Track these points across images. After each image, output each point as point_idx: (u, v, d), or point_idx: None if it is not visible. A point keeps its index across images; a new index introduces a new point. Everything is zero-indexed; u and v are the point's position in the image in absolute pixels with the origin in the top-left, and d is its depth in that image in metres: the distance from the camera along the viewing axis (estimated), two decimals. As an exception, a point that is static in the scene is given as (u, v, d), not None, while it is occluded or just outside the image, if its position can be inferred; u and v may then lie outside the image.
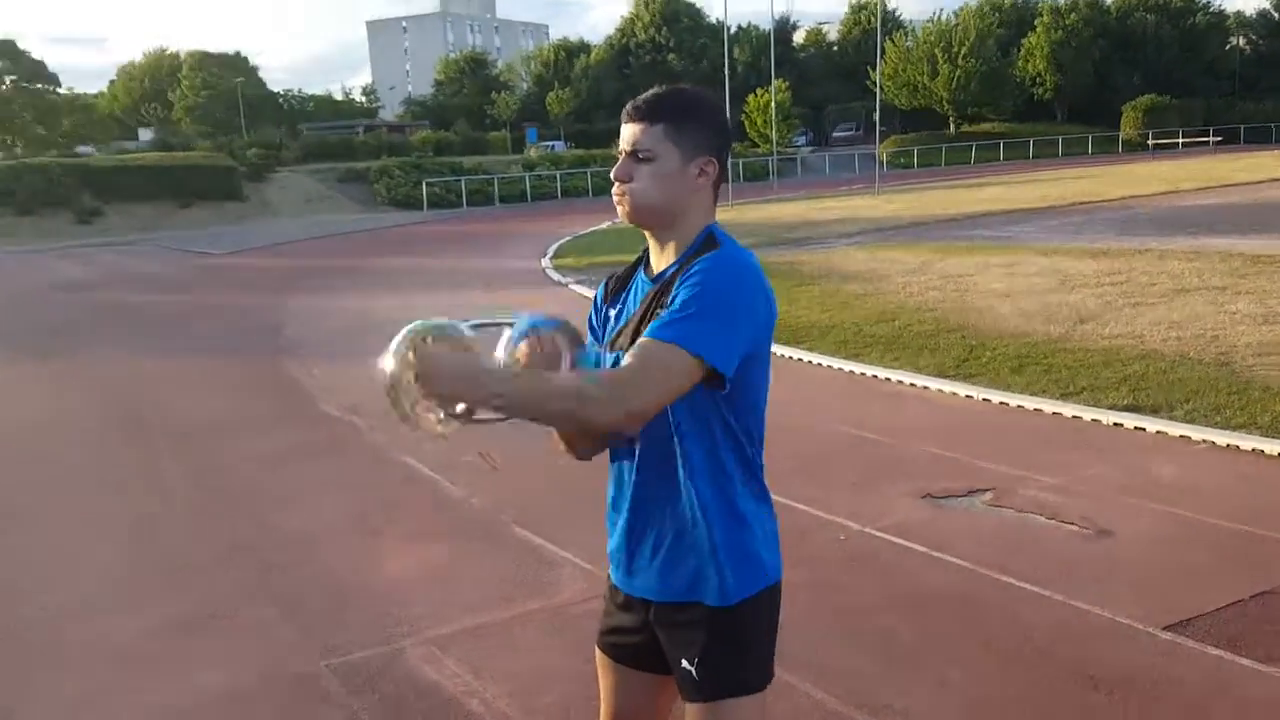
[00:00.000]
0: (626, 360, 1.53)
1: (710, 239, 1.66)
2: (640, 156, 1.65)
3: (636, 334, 1.64)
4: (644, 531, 1.71)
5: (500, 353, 1.56)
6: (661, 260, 1.70)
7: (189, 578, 4.07)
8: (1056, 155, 49.83)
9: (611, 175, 1.68)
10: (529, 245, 18.91)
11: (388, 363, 1.42)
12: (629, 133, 1.66)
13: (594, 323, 1.83)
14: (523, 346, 1.59)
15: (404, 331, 1.44)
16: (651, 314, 1.63)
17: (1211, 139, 49.70)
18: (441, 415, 1.45)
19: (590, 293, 1.80)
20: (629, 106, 1.67)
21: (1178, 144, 49.47)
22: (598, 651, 1.84)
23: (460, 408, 1.44)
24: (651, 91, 1.68)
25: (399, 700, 3.02)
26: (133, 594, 3.95)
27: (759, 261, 1.63)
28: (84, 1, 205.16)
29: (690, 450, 1.64)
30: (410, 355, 1.42)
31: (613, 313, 1.78)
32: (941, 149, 50.46)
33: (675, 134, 1.64)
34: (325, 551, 4.28)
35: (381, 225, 28.68)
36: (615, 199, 1.68)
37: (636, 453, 1.68)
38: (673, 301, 1.56)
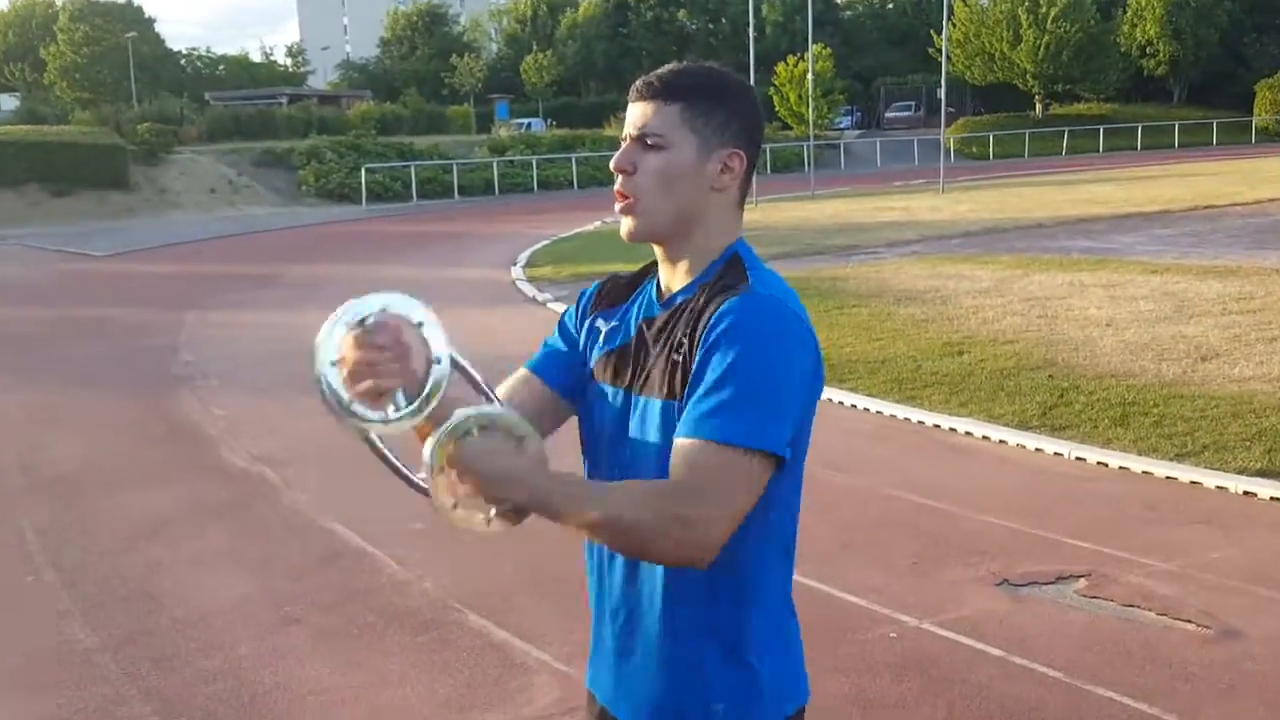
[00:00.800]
0: (678, 475, 1.50)
1: (735, 264, 1.65)
2: (649, 143, 1.64)
3: (635, 371, 1.64)
4: (633, 645, 1.70)
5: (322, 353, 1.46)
6: (674, 279, 1.69)
7: (62, 670, 4.04)
8: (1171, 146, 50.18)
9: (611, 165, 1.67)
10: (496, 250, 18.99)
11: (428, 452, 1.47)
12: (637, 113, 1.66)
13: (569, 328, 1.82)
14: (349, 341, 1.47)
15: (451, 422, 1.46)
16: (658, 355, 1.63)
17: (1370, 128, 50.06)
18: (491, 513, 1.50)
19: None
20: (639, 82, 1.67)
21: (1327, 133, 49.90)
22: None
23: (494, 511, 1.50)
24: (670, 66, 1.69)
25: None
26: (-24, 697, 3.93)
27: (798, 298, 1.63)
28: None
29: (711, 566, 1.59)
30: (453, 450, 1.47)
31: (604, 326, 1.76)
32: (1024, 136, 50.83)
33: (695, 119, 1.64)
34: (230, 643, 4.25)
35: (308, 222, 28.81)
36: (618, 206, 1.67)
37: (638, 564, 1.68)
38: (701, 370, 1.54)
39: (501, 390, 1.74)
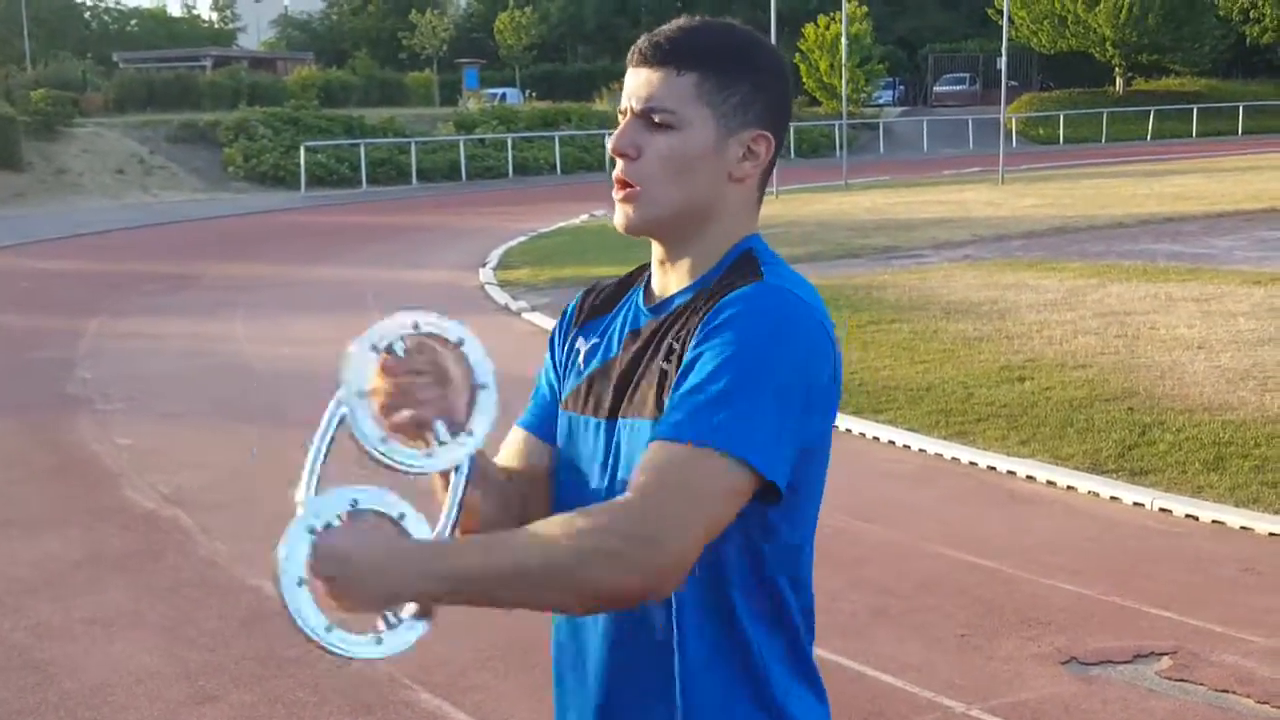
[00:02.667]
0: (635, 479, 1.47)
1: (748, 260, 1.62)
2: (657, 120, 1.60)
3: (619, 393, 1.63)
4: (606, 689, 1.67)
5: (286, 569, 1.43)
6: (669, 280, 1.67)
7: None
8: (1277, 130, 50.32)
9: (610, 148, 1.64)
10: (462, 248, 19.04)
11: (278, 575, 1.42)
12: (641, 82, 1.62)
13: (555, 355, 1.80)
14: (376, 369, 1.51)
15: (296, 524, 1.45)
16: (647, 368, 1.61)
17: None
18: (384, 624, 1.46)
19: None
20: (643, 42, 1.63)
21: None
22: None
23: (409, 609, 1.45)
24: (679, 22, 1.65)
25: None
26: None
27: (820, 297, 1.60)
28: None
29: (692, 602, 1.60)
30: (307, 560, 1.43)
31: (583, 345, 1.75)
32: (1102, 115, 51.05)
33: (715, 92, 1.61)
34: (126, 727, 4.25)
35: (236, 211, 28.90)
36: (616, 195, 1.64)
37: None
38: (689, 366, 1.51)
39: (500, 461, 1.75)
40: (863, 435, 7.42)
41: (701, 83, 1.60)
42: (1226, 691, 4.18)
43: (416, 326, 1.53)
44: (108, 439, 8.23)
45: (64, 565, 5.87)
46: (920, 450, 7.19)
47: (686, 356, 1.52)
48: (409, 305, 1.54)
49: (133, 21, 73.43)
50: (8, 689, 4.55)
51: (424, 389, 1.50)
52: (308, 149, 35.25)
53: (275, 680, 4.57)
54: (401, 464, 1.51)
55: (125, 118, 39.18)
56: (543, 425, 1.77)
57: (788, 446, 1.50)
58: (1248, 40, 59.26)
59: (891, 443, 7.33)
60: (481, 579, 1.43)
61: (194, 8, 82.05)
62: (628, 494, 1.45)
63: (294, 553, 1.42)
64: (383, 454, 1.50)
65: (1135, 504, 6.07)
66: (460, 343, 1.56)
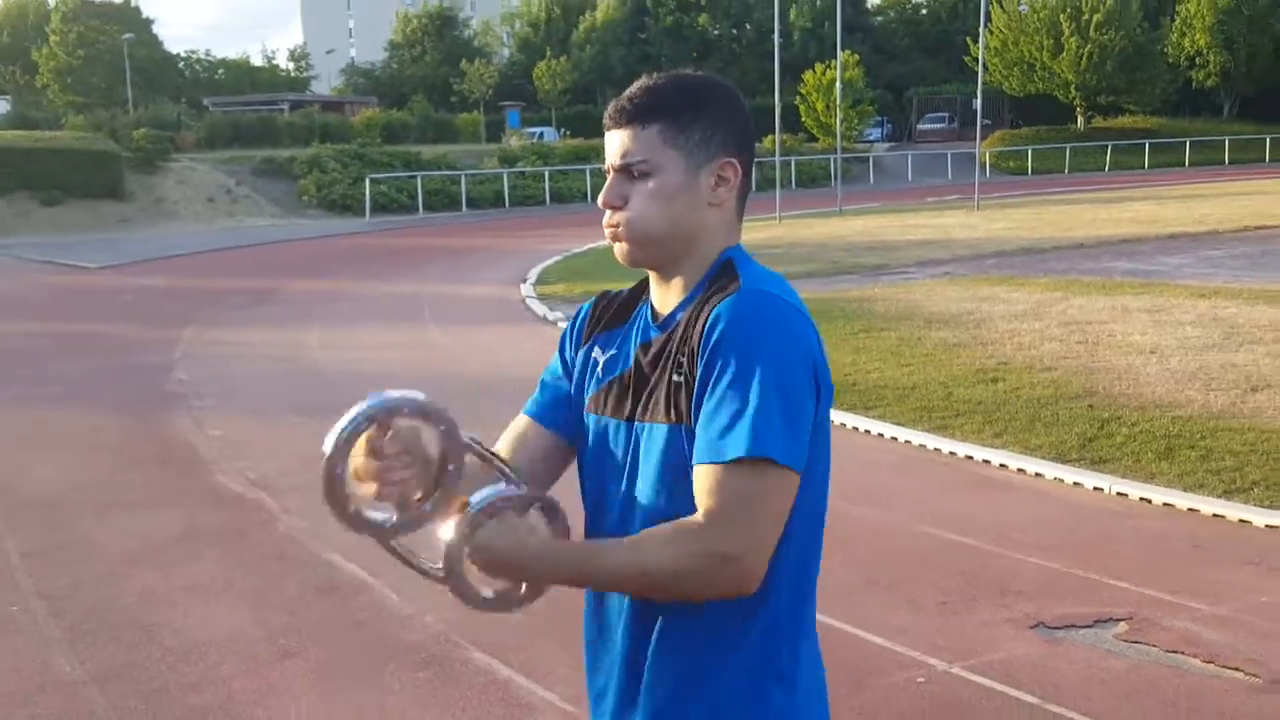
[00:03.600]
0: (701, 502, 1.50)
1: (726, 269, 1.64)
2: (635, 172, 1.63)
3: (636, 399, 1.64)
4: (637, 687, 1.68)
5: (327, 446, 1.48)
6: (669, 298, 1.68)
7: (47, 702, 4.06)
8: (1222, 162, 50.11)
9: (599, 202, 1.66)
10: (506, 266, 19.07)
11: (446, 532, 1.53)
12: (615, 142, 1.64)
13: (566, 356, 1.81)
14: (361, 443, 1.49)
15: (476, 501, 1.52)
16: (660, 379, 1.62)
17: None
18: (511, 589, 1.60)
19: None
20: (610, 109, 1.65)
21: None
22: None
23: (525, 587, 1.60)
24: (638, 84, 1.66)
25: None
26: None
27: (790, 287, 1.62)
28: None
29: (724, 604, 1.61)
30: (470, 535, 1.52)
31: (600, 355, 1.75)
32: (1065, 150, 50.83)
33: (677, 135, 1.62)
34: (223, 678, 4.27)
35: (310, 235, 29.00)
36: (609, 236, 1.67)
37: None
38: (704, 386, 1.53)
39: (503, 444, 1.76)
40: (855, 429, 7.42)
41: (664, 130, 1.62)
42: (1176, 652, 4.16)
43: (400, 408, 1.51)
44: (201, 431, 8.29)
45: (165, 540, 5.92)
46: (906, 442, 7.19)
47: (697, 373, 1.55)
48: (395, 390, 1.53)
49: (220, 71, 73.76)
50: (119, 646, 4.59)
51: (394, 471, 1.50)
52: (372, 180, 35.39)
53: (347, 639, 4.60)
54: (370, 525, 1.54)
55: (214, 154, 39.40)
56: (545, 412, 1.79)
57: (803, 433, 1.53)
58: (1193, 83, 59.05)
59: (880, 435, 7.33)
60: (588, 580, 1.61)
61: (273, 58, 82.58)
62: (700, 518, 1.50)
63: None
64: (355, 517, 1.53)
65: (1095, 488, 6.07)
66: (442, 428, 1.53)
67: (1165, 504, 5.76)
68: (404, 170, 37.42)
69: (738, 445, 1.48)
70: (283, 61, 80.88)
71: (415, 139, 44.67)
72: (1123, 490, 5.96)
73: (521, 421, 1.80)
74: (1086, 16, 54.86)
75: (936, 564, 5.21)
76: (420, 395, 1.53)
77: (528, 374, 1.81)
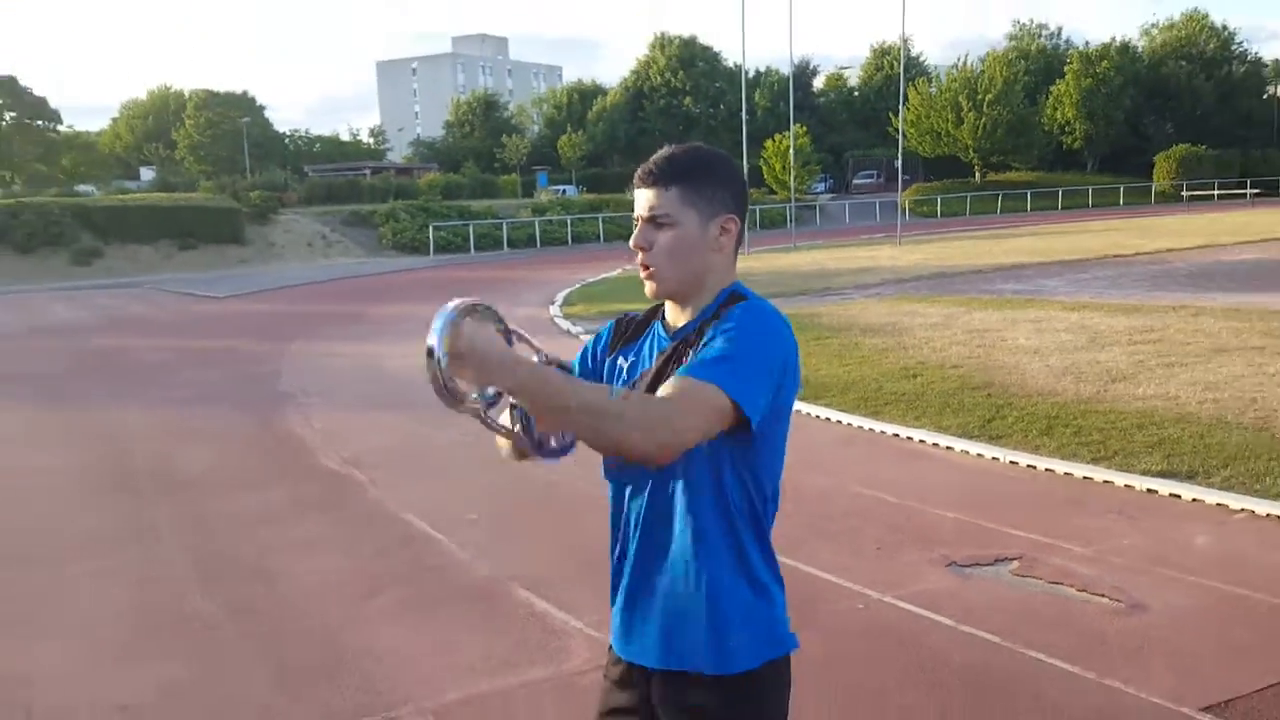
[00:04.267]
0: (662, 390, 1.52)
1: (735, 295, 1.69)
2: (659, 222, 1.66)
3: (651, 389, 1.63)
4: (646, 592, 1.69)
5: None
6: (680, 317, 1.72)
7: (188, 636, 4.06)
8: (1086, 206, 50.08)
9: (631, 244, 1.69)
10: (537, 292, 19.05)
11: (430, 336, 1.50)
12: (644, 198, 1.67)
13: (589, 365, 1.84)
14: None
15: (450, 306, 1.53)
16: (670, 369, 1.64)
17: (1249, 191, 49.84)
18: (474, 395, 1.54)
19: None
20: (641, 171, 1.68)
21: (1213, 196, 49.72)
22: None
23: (491, 390, 1.54)
24: (662, 153, 1.68)
25: (395, 774, 3.00)
26: (130, 654, 3.94)
27: (782, 313, 1.66)
28: (90, 38, 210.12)
29: (700, 508, 1.64)
30: (454, 328, 1.49)
31: (624, 362, 1.77)
32: (966, 198, 50.77)
33: (692, 195, 1.65)
34: (326, 612, 4.27)
35: (387, 270, 28.96)
36: (642, 275, 1.70)
37: (641, 508, 1.68)
38: (703, 347, 1.58)
39: None
40: (809, 415, 7.39)
41: (683, 192, 1.65)
42: (1058, 583, 4.16)
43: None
44: (306, 423, 8.27)
45: (280, 506, 5.91)
46: (847, 424, 7.17)
47: (700, 344, 1.61)
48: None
49: (317, 144, 73.71)
50: (244, 590, 4.59)
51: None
52: (434, 227, 35.35)
53: (421, 582, 4.59)
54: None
55: (313, 209, 39.37)
56: (577, 370, 1.85)
57: (762, 397, 1.56)
58: (1064, 146, 59.10)
59: (827, 419, 7.31)
60: (546, 397, 1.48)
61: (357, 135, 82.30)
62: (658, 394, 1.52)
63: (440, 337, 1.50)
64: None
65: (993, 458, 6.04)
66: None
67: (1047, 469, 5.74)
68: (459, 219, 37.33)
69: (709, 373, 1.52)
70: (365, 137, 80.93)
71: (468, 195, 44.51)
72: (1014, 459, 5.95)
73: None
74: (980, 95, 54.97)
75: (871, 518, 5.20)
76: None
77: None
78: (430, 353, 1.48)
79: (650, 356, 1.73)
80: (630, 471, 1.70)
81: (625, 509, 1.72)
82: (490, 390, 1.54)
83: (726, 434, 1.56)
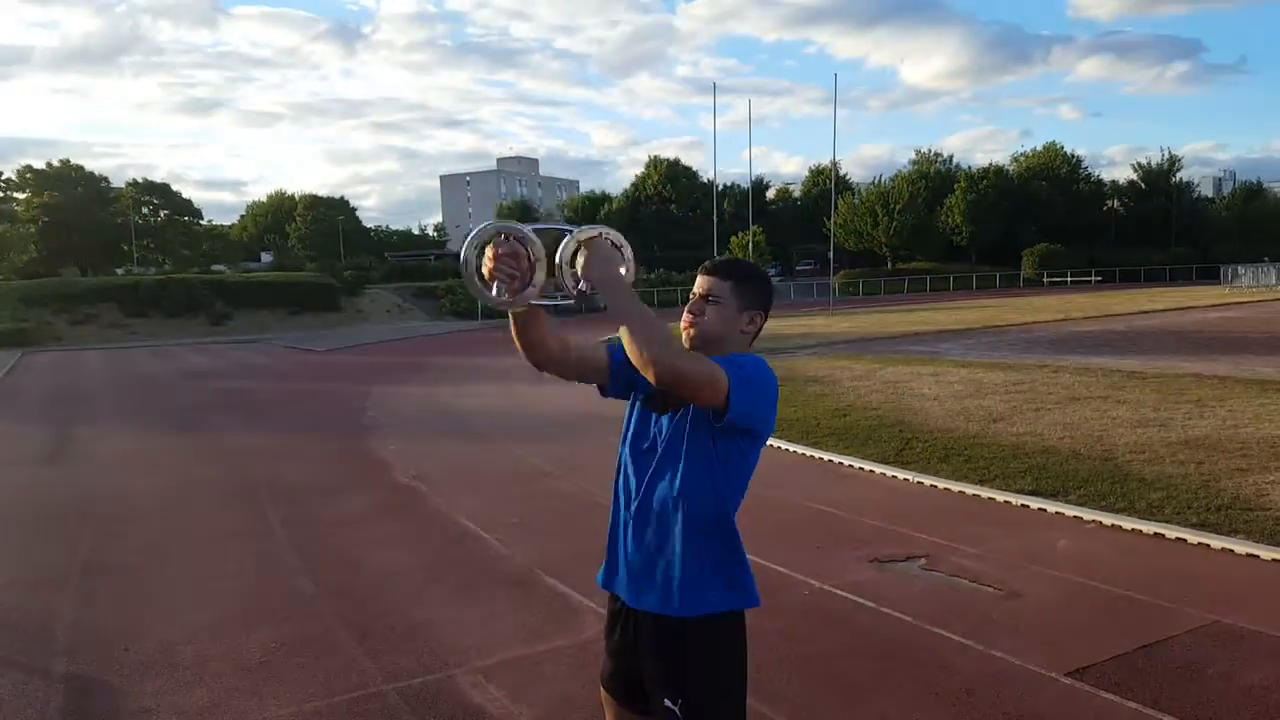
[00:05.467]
0: (702, 357, 1.62)
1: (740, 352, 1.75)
2: (710, 300, 1.74)
3: (679, 406, 1.70)
4: (645, 554, 1.71)
5: (464, 253, 1.59)
6: None
7: (294, 609, 4.02)
8: (971, 288, 50.32)
9: (687, 310, 1.77)
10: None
11: (582, 232, 1.61)
12: (705, 282, 1.76)
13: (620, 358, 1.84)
14: (488, 251, 1.59)
15: (591, 228, 1.63)
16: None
17: (1094, 278, 50.30)
18: (570, 284, 1.62)
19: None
20: (709, 264, 1.79)
21: (1067, 281, 50.12)
22: (602, 691, 1.81)
23: (584, 285, 1.61)
24: (727, 258, 1.82)
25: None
26: (252, 620, 3.91)
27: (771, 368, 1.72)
28: (227, 155, 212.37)
29: (694, 501, 1.67)
30: (595, 236, 1.59)
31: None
32: (881, 281, 51.09)
33: (738, 289, 1.75)
34: (397, 593, 4.23)
35: (446, 331, 28.97)
36: (684, 326, 1.76)
37: (651, 492, 1.71)
38: None
39: (581, 340, 1.86)
40: (767, 445, 7.36)
41: (734, 286, 1.75)
42: (956, 576, 4.13)
43: (602, 233, 1.65)
44: (384, 447, 8.22)
45: (362, 511, 5.86)
46: (794, 451, 7.13)
47: None
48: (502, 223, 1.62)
49: (394, 236, 74.26)
50: (338, 575, 4.54)
51: (508, 266, 1.60)
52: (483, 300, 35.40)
53: (470, 570, 4.55)
54: (491, 296, 1.61)
55: (390, 284, 39.56)
56: (615, 353, 1.83)
57: (746, 406, 1.63)
58: (954, 243, 59.57)
59: (780, 448, 7.27)
60: (636, 307, 1.57)
61: (425, 230, 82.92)
62: (705, 360, 1.61)
63: (567, 248, 1.60)
64: (486, 292, 1.60)
65: (904, 479, 6.02)
66: (622, 247, 1.67)
67: (945, 488, 5.72)
68: (500, 293, 37.42)
69: (722, 364, 1.60)
70: (430, 231, 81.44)
71: (507, 275, 44.76)
72: (920, 480, 5.92)
73: (604, 341, 1.92)
74: (892, 205, 55.62)
75: (814, 524, 5.17)
76: (507, 223, 1.62)
77: (573, 411, 1.87)
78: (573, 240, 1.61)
79: None
80: (652, 451, 1.74)
81: (640, 478, 1.73)
82: (583, 284, 1.61)
83: (711, 412, 1.61)
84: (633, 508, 1.73)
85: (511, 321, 1.70)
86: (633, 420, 1.80)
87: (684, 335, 1.75)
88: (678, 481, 1.67)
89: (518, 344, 1.76)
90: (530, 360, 1.78)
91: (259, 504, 6.22)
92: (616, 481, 1.79)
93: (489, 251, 1.57)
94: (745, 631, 1.71)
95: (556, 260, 1.60)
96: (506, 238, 1.57)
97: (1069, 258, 54.86)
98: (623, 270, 1.64)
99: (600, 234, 1.62)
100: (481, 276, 1.58)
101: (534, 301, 1.62)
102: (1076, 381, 10.07)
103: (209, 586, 4.43)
